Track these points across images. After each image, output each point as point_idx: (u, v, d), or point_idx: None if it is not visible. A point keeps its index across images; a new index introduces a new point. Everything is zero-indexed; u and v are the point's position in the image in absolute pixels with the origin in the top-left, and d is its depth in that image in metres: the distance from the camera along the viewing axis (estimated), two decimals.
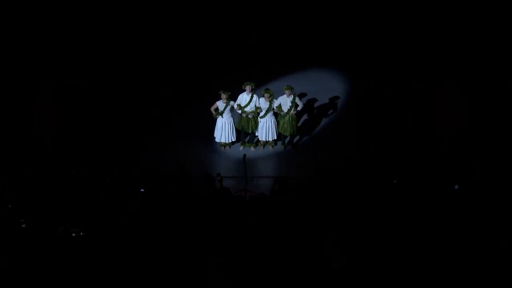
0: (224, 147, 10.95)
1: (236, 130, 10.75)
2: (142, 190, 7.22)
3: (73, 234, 5.51)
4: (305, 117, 11.54)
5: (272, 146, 10.90)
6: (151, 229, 5.73)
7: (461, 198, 6.64)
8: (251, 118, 10.42)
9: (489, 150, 9.46)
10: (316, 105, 11.72)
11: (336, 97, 11.81)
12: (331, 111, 11.67)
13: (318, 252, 5.24)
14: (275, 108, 10.37)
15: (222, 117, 10.39)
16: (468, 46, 10.91)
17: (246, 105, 10.42)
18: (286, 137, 10.76)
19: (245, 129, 10.68)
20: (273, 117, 10.58)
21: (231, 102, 10.39)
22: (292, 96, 10.35)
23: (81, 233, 5.53)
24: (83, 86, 11.20)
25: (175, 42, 12.03)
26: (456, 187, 7.05)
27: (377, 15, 11.65)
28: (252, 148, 10.84)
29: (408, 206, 6.31)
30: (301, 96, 11.22)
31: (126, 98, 11.36)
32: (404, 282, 5.06)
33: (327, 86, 11.83)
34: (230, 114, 10.58)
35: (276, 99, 10.45)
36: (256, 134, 10.82)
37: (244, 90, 10.49)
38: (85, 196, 6.79)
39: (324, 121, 11.45)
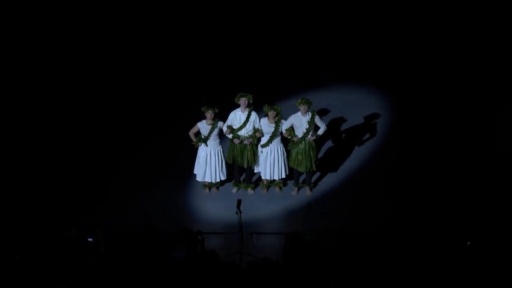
0: (209, 189, 9.55)
1: (227, 164, 9.41)
2: (90, 239, 7.10)
3: None
4: (328, 144, 10.39)
5: (280, 188, 9.47)
6: None
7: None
8: (248, 145, 9.11)
9: None
10: (343, 127, 10.78)
11: (373, 116, 10.82)
12: (367, 135, 10.54)
13: None
14: (284, 131, 9.08)
15: (207, 145, 9.03)
16: None
17: (241, 127, 9.05)
18: (300, 174, 9.42)
19: (239, 162, 9.26)
20: (281, 145, 9.26)
21: (219, 123, 9.06)
22: (310, 115, 9.00)
23: None
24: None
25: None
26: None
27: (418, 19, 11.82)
28: (250, 191, 9.47)
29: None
30: (322, 114, 10.31)
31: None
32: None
33: (358, 100, 11.32)
34: (218, 141, 9.24)
35: (286, 119, 9.18)
36: (256, 171, 9.53)
37: (238, 106, 9.15)
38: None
39: (356, 150, 10.31)
